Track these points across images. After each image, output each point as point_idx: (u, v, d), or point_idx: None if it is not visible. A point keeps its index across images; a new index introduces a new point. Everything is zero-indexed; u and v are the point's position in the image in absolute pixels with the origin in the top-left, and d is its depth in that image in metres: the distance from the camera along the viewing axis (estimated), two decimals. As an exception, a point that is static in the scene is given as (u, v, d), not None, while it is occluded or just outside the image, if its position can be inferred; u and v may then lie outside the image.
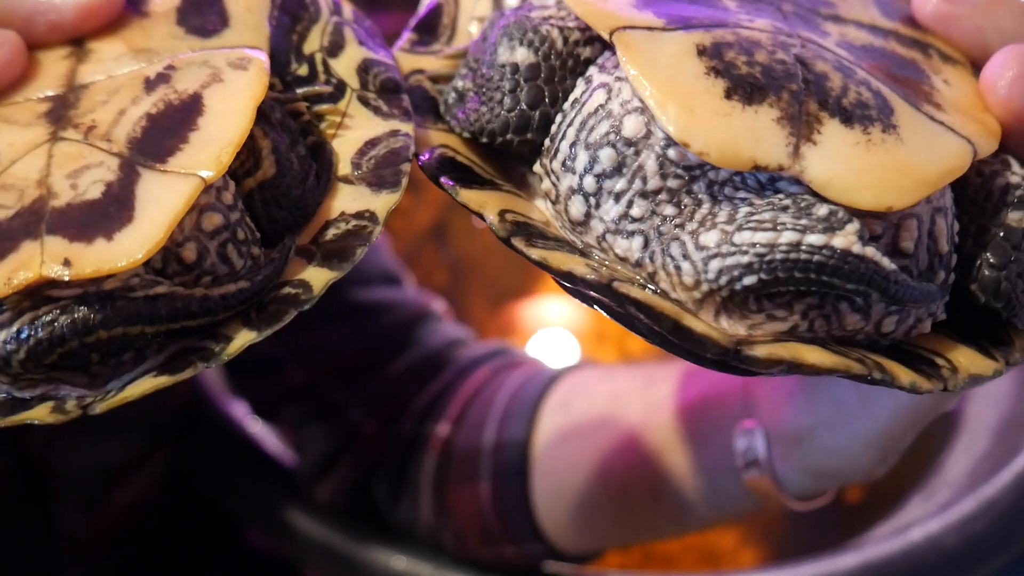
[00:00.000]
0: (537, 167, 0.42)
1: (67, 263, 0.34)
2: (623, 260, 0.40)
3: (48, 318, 0.35)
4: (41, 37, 0.41)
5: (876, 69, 0.41)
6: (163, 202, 0.35)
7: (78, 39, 0.41)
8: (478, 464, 0.74)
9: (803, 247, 0.36)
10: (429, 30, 0.47)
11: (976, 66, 0.43)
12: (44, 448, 0.74)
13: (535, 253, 0.39)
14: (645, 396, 0.69)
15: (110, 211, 0.35)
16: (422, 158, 0.42)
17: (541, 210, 0.42)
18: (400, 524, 0.78)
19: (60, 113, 0.38)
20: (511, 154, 0.42)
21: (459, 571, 0.75)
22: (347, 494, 0.80)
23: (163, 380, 0.36)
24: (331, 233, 0.39)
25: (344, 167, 0.41)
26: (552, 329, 1.21)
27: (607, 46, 0.42)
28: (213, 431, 0.85)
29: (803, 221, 0.37)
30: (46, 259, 0.34)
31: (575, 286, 0.39)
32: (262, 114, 0.39)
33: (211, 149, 0.37)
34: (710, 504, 0.65)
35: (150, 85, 0.39)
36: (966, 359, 0.40)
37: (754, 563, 0.98)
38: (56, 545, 0.78)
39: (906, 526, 0.69)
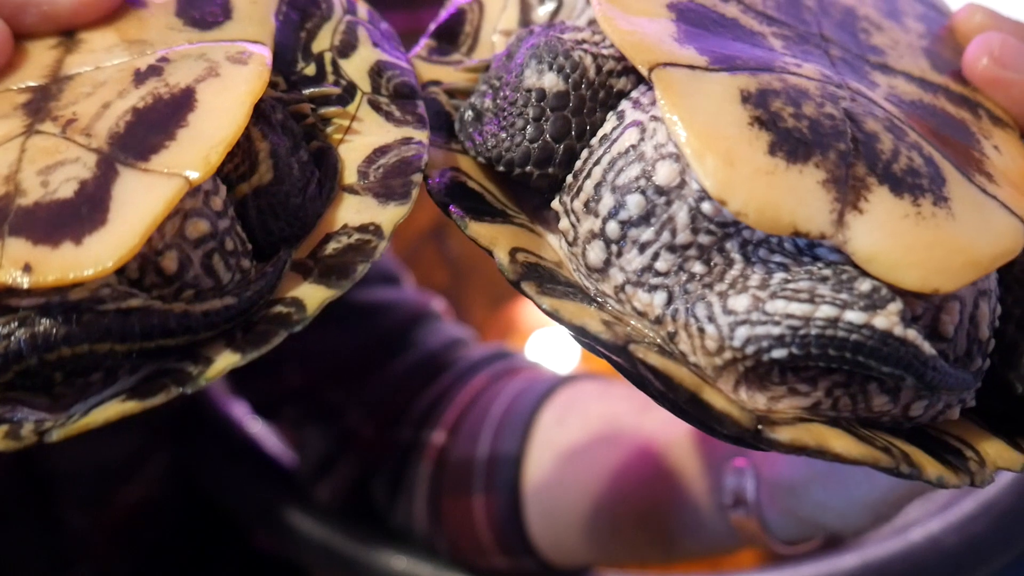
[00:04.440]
0: (556, 203, 0.39)
1: (27, 269, 0.31)
2: (641, 315, 0.37)
3: (3, 331, 0.31)
4: (31, 27, 0.38)
5: (926, 128, 0.38)
6: (141, 204, 0.32)
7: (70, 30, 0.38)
8: (472, 477, 0.73)
9: (841, 324, 0.33)
10: (449, 38, 0.44)
11: None
12: (41, 446, 0.72)
13: (546, 302, 0.36)
14: (639, 421, 0.68)
15: (81, 212, 0.32)
16: (431, 181, 0.39)
17: (554, 248, 0.39)
18: (397, 526, 0.78)
19: (40, 105, 0.35)
20: (528, 186, 0.39)
21: (459, 572, 0.74)
22: (346, 495, 0.79)
23: (131, 406, 0.33)
24: (331, 247, 0.36)
25: (350, 176, 0.38)
26: (552, 329, 1.19)
27: (643, 79, 0.38)
28: (213, 431, 0.83)
29: (843, 295, 0.34)
30: (4, 263, 0.31)
31: (587, 340, 0.36)
32: (262, 114, 0.35)
33: (199, 147, 0.33)
34: (695, 538, 0.64)
35: (140, 78, 0.35)
36: (994, 451, 0.37)
37: (754, 563, 0.97)
38: (62, 542, 0.77)
39: (906, 526, 0.68)
